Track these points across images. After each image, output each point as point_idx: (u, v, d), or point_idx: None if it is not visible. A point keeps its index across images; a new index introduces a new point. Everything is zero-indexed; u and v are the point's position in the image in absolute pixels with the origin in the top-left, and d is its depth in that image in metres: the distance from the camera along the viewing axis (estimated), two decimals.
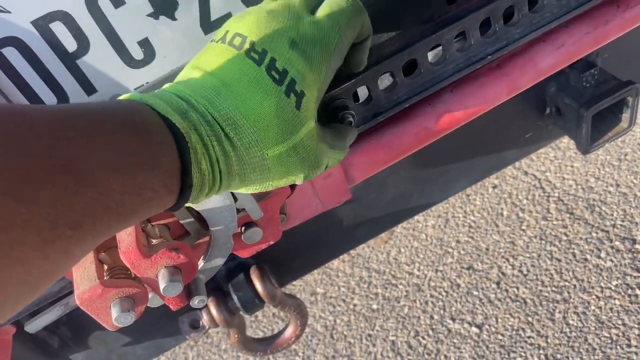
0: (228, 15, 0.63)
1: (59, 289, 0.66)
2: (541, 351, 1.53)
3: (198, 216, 0.59)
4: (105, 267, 0.56)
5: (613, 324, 1.52)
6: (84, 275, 0.54)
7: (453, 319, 1.67)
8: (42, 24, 0.57)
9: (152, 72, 0.65)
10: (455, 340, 1.62)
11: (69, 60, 0.61)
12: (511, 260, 1.72)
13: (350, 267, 1.88)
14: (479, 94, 0.72)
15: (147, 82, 0.65)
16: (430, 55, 0.64)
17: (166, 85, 0.48)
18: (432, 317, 1.69)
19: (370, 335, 1.72)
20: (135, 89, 0.66)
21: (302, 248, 0.99)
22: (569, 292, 1.61)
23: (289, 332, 1.01)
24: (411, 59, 0.62)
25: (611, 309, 1.54)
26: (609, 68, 0.93)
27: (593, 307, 1.56)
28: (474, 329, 1.63)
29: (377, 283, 1.81)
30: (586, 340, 1.51)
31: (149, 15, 0.61)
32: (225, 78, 0.46)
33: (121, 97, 0.45)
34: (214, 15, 0.63)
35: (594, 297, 1.58)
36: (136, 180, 0.38)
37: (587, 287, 1.60)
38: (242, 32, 0.48)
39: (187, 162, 0.41)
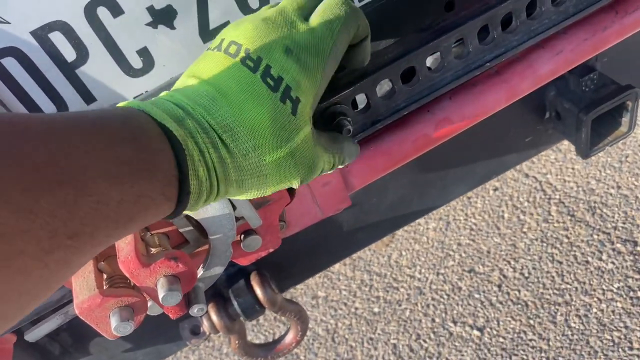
0: (226, 24, 0.63)
1: (59, 298, 0.66)
2: (543, 354, 1.53)
3: (197, 225, 0.59)
4: (105, 276, 0.57)
5: (615, 327, 1.51)
6: (83, 284, 0.54)
7: (454, 322, 1.67)
8: (41, 34, 0.58)
9: (151, 80, 0.65)
10: (456, 344, 1.62)
11: (68, 70, 0.61)
12: (512, 262, 1.72)
13: (352, 270, 1.88)
14: (478, 101, 0.72)
15: (146, 91, 0.65)
16: (429, 63, 0.64)
17: (163, 93, 0.48)
18: (433, 320, 1.69)
19: (371, 339, 1.71)
20: (134, 98, 0.66)
21: (302, 253, 0.99)
22: (570, 295, 1.61)
23: (289, 337, 1.01)
24: (410, 67, 0.62)
25: (613, 311, 1.54)
26: (609, 72, 0.93)
27: (595, 310, 1.56)
28: (476, 332, 1.63)
29: (379, 286, 1.81)
30: (588, 343, 1.51)
31: (148, 24, 0.61)
32: (221, 86, 0.46)
33: (119, 105, 0.45)
34: (212, 24, 0.63)
35: (595, 299, 1.58)
36: (134, 188, 0.38)
37: (589, 289, 1.60)
38: (237, 40, 0.49)
39: (184, 169, 0.42)
